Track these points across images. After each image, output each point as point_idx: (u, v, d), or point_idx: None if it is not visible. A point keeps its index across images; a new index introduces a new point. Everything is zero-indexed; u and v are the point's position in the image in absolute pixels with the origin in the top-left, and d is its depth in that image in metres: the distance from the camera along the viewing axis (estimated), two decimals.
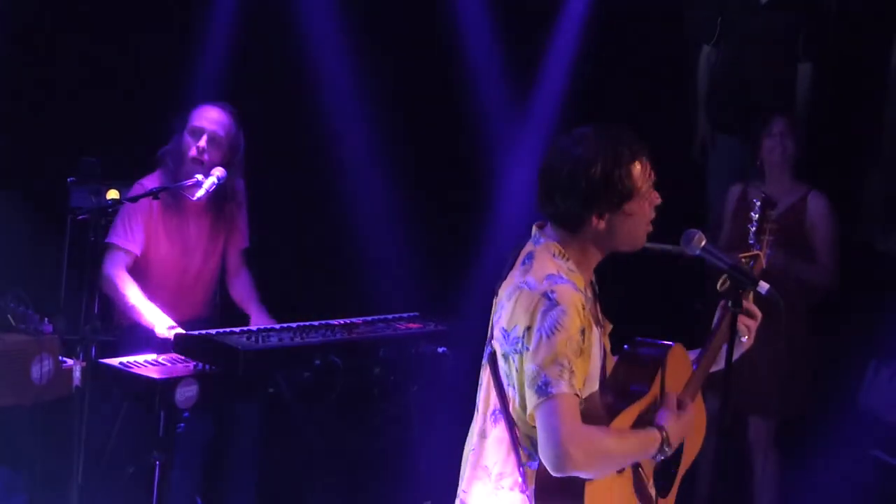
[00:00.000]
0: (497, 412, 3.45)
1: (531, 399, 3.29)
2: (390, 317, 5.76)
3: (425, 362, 5.45)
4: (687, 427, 3.53)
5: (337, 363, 5.12)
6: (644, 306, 6.39)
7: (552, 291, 3.32)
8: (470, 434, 3.59)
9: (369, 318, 5.68)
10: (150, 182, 5.73)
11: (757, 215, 4.01)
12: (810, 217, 6.15)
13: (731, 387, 4.02)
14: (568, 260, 3.44)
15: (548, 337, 3.27)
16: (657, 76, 7.47)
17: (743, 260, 3.85)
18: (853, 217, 7.19)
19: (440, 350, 5.44)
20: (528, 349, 3.31)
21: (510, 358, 3.38)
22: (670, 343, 3.60)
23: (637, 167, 3.44)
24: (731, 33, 7.23)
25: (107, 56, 6.89)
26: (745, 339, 3.71)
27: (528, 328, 3.32)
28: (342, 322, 5.56)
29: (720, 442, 4.33)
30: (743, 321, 3.68)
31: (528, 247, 3.50)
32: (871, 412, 6.56)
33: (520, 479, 3.40)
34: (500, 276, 3.54)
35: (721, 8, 7.32)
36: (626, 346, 3.62)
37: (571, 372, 3.26)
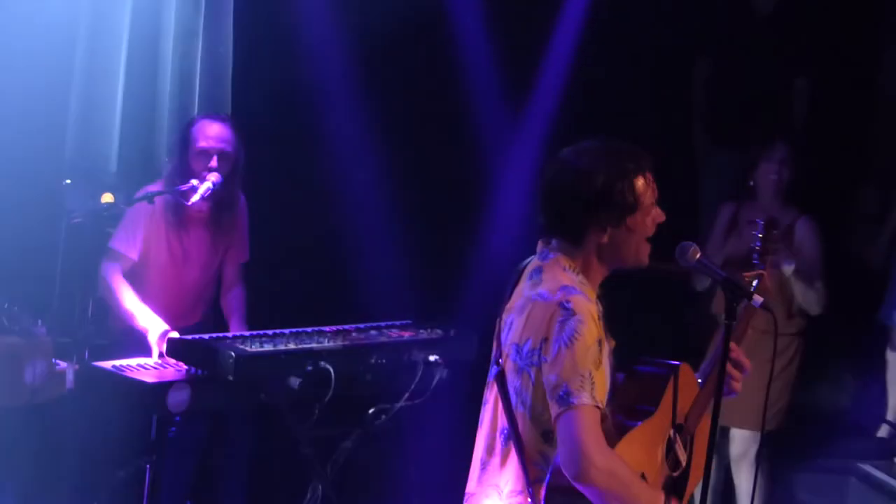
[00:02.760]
0: (506, 431, 3.42)
1: (553, 409, 3.25)
2: (383, 324, 5.77)
3: (417, 370, 5.45)
4: None
5: (329, 370, 5.12)
6: (645, 324, 6.42)
7: (568, 301, 3.30)
8: (476, 448, 3.55)
9: (362, 326, 5.68)
10: (154, 188, 5.74)
11: (761, 234, 4.02)
12: (798, 241, 6.14)
13: (719, 405, 4.07)
14: (579, 273, 3.42)
15: (567, 347, 3.25)
16: (652, 86, 7.50)
17: (747, 278, 3.86)
18: (845, 231, 7.23)
19: (432, 358, 5.44)
20: (546, 360, 3.28)
21: (524, 372, 3.35)
22: (677, 363, 3.60)
23: (640, 182, 3.43)
24: (726, 46, 7.29)
25: (106, 58, 6.88)
26: (732, 394, 3.70)
27: (545, 339, 3.29)
28: (335, 329, 5.57)
29: (709, 456, 4.36)
30: (731, 372, 3.65)
31: (535, 262, 3.49)
32: (859, 426, 6.58)
33: (529, 500, 3.36)
34: (504, 296, 3.52)
35: (715, 21, 7.37)
36: (635, 366, 3.61)
37: (592, 383, 3.24)
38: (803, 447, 6.26)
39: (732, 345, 3.65)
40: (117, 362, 5.25)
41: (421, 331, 5.68)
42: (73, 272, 5.24)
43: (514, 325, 3.41)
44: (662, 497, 3.42)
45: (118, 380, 5.07)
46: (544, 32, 7.53)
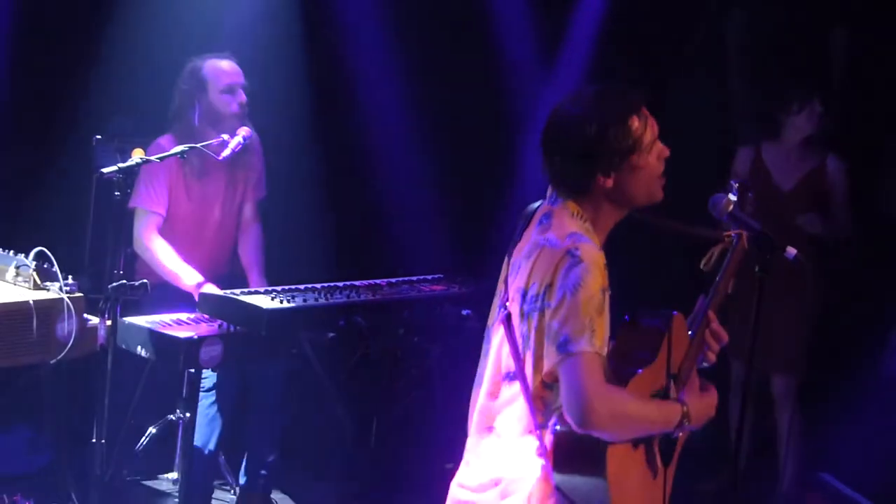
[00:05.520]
0: (511, 374, 3.39)
1: (551, 356, 3.23)
2: (415, 279, 5.76)
3: (449, 324, 5.45)
4: (708, 407, 3.48)
5: (361, 324, 5.11)
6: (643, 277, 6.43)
7: (576, 248, 3.26)
8: (475, 396, 3.52)
9: (394, 280, 5.67)
10: (167, 141, 5.71)
11: (735, 197, 3.93)
12: (829, 179, 6.36)
13: (755, 352, 4.04)
14: (585, 221, 3.38)
15: (571, 294, 3.22)
16: (684, 41, 7.44)
17: (727, 239, 3.79)
18: (879, 185, 7.17)
19: (464, 312, 5.43)
20: (549, 306, 3.25)
21: (529, 317, 3.32)
22: (672, 312, 3.55)
23: (634, 121, 3.37)
24: None
25: (136, 16, 6.87)
26: (706, 363, 3.64)
27: (550, 285, 3.26)
28: (367, 283, 5.55)
29: (745, 404, 4.34)
30: (709, 342, 3.60)
31: (545, 207, 3.45)
32: (893, 381, 6.56)
33: (537, 443, 3.33)
34: (513, 239, 3.50)
35: None
36: (626, 316, 3.57)
37: (592, 331, 3.21)
38: (844, 403, 6.25)
39: (712, 314, 3.60)
40: (149, 318, 5.25)
41: (453, 285, 5.66)
42: (104, 228, 5.21)
43: (521, 270, 3.38)
44: (678, 406, 3.39)
45: (150, 335, 5.07)
46: None
